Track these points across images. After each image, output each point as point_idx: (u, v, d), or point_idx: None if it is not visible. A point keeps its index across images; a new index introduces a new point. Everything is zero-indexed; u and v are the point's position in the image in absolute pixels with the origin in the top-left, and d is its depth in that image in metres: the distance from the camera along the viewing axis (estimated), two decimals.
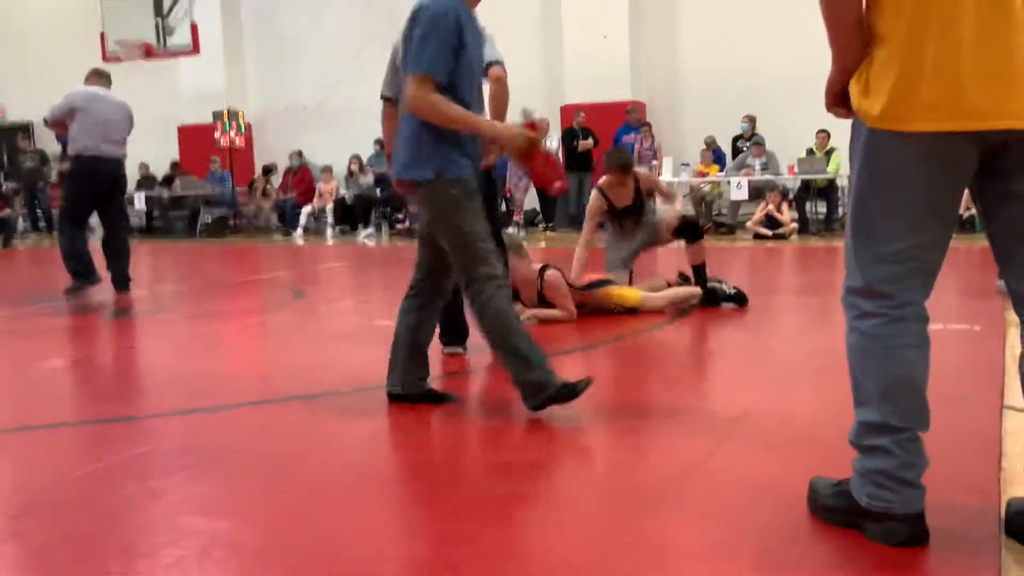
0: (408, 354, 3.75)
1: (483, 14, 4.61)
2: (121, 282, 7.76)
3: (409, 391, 3.74)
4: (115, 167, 7.78)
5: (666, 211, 6.69)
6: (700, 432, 3.21)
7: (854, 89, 2.14)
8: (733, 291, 6.05)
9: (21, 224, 16.35)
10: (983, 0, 1.97)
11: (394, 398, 3.75)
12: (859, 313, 2.20)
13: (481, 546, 2.30)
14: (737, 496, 2.55)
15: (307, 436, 3.37)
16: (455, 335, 4.72)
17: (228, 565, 2.22)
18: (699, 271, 6.30)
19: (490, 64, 4.46)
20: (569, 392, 3.41)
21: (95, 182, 7.64)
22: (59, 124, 7.69)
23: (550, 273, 5.67)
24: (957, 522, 2.29)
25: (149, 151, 18.00)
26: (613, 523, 2.40)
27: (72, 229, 7.73)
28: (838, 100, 2.21)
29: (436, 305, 3.84)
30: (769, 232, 11.95)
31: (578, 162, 14.29)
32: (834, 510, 2.31)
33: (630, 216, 6.58)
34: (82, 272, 7.63)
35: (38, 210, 17.11)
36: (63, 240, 7.70)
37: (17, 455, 3.26)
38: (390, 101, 4.65)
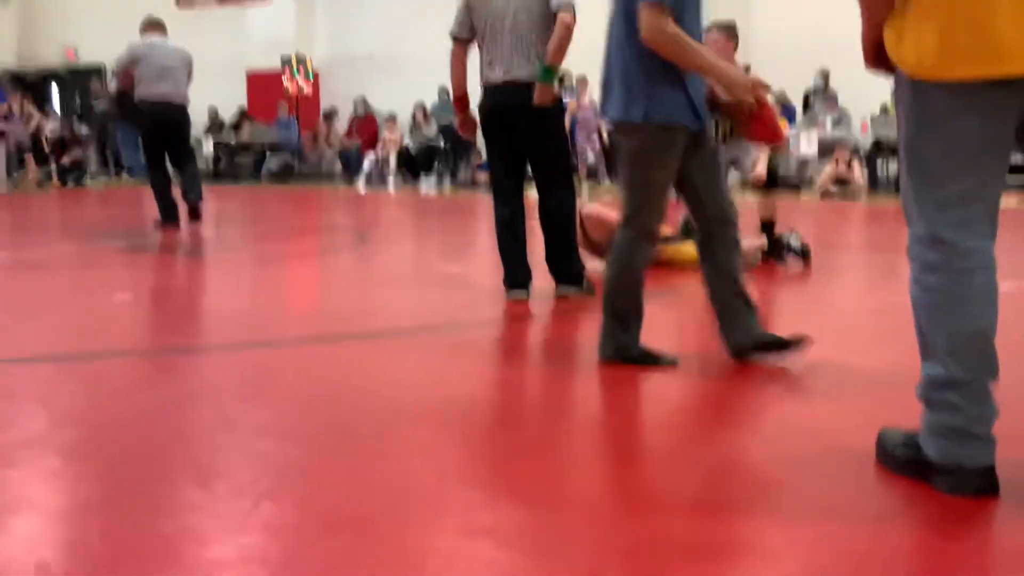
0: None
1: None
2: (193, 213, 8.29)
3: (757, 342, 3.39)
4: (179, 111, 8.26)
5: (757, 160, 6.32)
6: (763, 382, 3.19)
7: (890, 39, 2.11)
8: (800, 245, 5.82)
9: (93, 165, 16.68)
10: None
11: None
12: (924, 265, 2.16)
13: (546, 484, 2.32)
14: (800, 443, 2.53)
15: (371, 371, 3.42)
16: (525, 279, 4.73)
17: (299, 486, 2.28)
18: (769, 228, 6.07)
19: (559, 7, 4.41)
20: (647, 360, 3.37)
21: (161, 125, 8.12)
22: (126, 75, 8.20)
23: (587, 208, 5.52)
24: None
25: (218, 96, 18.23)
26: (682, 475, 2.40)
27: (152, 170, 8.21)
28: (875, 54, 2.20)
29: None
30: (835, 190, 11.72)
31: None
32: (903, 461, 2.28)
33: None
34: (164, 212, 8.13)
35: (108, 151, 17.41)
36: (150, 180, 8.28)
37: (90, 380, 3.36)
38: (460, 41, 4.66)
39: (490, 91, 4.61)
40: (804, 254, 5.86)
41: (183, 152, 8.36)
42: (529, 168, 4.75)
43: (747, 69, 5.90)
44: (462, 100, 4.83)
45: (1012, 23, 1.95)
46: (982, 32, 1.97)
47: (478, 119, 4.76)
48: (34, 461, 2.48)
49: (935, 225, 2.12)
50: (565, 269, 4.74)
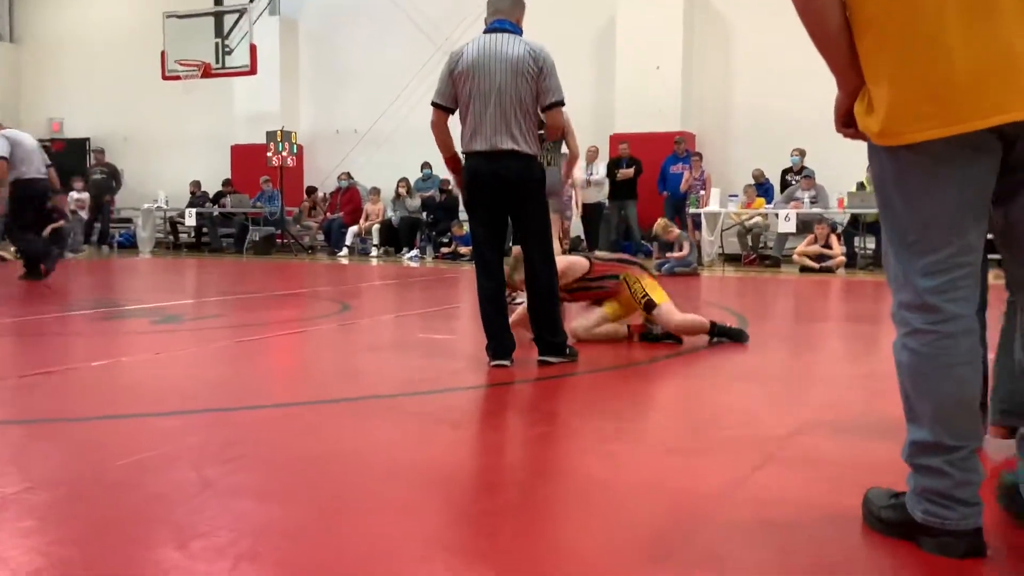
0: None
1: (539, 39, 4.74)
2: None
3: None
4: (45, 185, 10.06)
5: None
6: (748, 448, 3.18)
7: (858, 109, 2.17)
8: (736, 329, 5.57)
9: (72, 237, 16.62)
10: (964, 7, 1.97)
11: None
12: (910, 330, 2.17)
13: (529, 546, 2.29)
14: (787, 509, 2.52)
15: (353, 434, 3.39)
16: (508, 348, 4.74)
17: (279, 546, 2.24)
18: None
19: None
20: None
21: (34, 197, 9.94)
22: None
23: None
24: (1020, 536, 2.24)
25: (202, 168, 18.36)
26: (664, 531, 2.38)
27: (25, 233, 10.05)
28: (845, 121, 2.25)
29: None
30: (816, 265, 11.85)
31: (620, 191, 14.33)
32: (889, 523, 2.27)
33: None
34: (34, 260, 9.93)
35: (97, 223, 17.39)
36: (23, 244, 10.11)
37: (66, 444, 3.31)
38: (442, 109, 4.75)
39: (473, 159, 4.68)
40: (739, 336, 5.55)
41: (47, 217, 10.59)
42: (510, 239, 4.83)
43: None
44: (454, 159, 4.93)
45: (969, 82, 1.97)
46: (940, 95, 2.00)
47: (463, 189, 4.82)
48: (9, 522, 2.42)
49: (920, 291, 2.13)
50: (547, 339, 4.76)
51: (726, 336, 5.54)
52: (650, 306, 5.45)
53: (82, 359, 5.10)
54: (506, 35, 4.67)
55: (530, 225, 4.76)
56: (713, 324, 5.53)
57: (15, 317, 7.23)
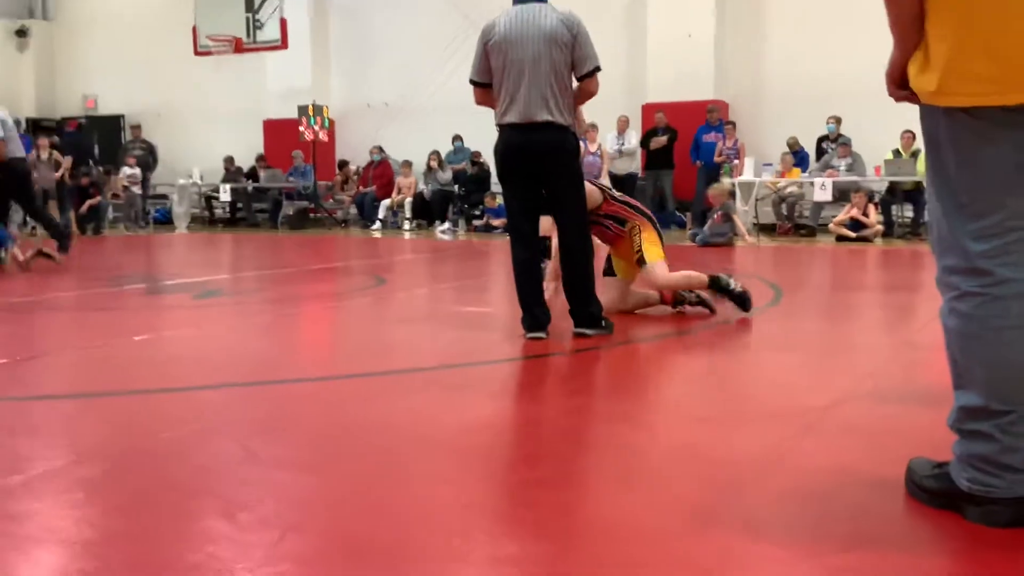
0: None
1: (570, 7, 4.71)
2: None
3: None
4: (27, 165, 10.08)
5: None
6: (788, 418, 3.17)
7: (912, 68, 2.13)
8: (740, 290, 5.41)
9: (111, 212, 16.81)
10: None
11: None
12: (958, 293, 2.14)
13: (568, 514, 2.31)
14: (827, 478, 2.51)
15: (392, 406, 3.42)
16: (543, 320, 4.77)
17: (323, 517, 2.27)
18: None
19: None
20: None
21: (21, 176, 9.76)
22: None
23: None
24: None
25: (235, 144, 18.47)
26: (701, 499, 2.39)
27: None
28: (899, 82, 2.20)
29: None
30: (852, 234, 11.73)
31: (656, 160, 14.24)
32: (933, 492, 2.26)
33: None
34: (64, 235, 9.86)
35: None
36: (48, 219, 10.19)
37: (112, 417, 3.37)
38: (481, 85, 4.74)
39: (507, 131, 4.68)
40: (742, 302, 5.40)
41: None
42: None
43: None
44: None
45: None
46: (1000, 60, 1.97)
47: (496, 160, 4.82)
48: (59, 494, 2.48)
49: (971, 255, 2.10)
50: (582, 310, 4.77)
51: (728, 295, 5.38)
52: (641, 262, 5.34)
53: (125, 333, 5.18)
54: (537, 5, 4.65)
55: (565, 196, 4.75)
56: (714, 278, 5.38)
57: (58, 292, 7.35)
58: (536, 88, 4.57)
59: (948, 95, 2.05)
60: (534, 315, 4.72)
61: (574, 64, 4.63)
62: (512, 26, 4.60)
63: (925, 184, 2.27)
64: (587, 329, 4.76)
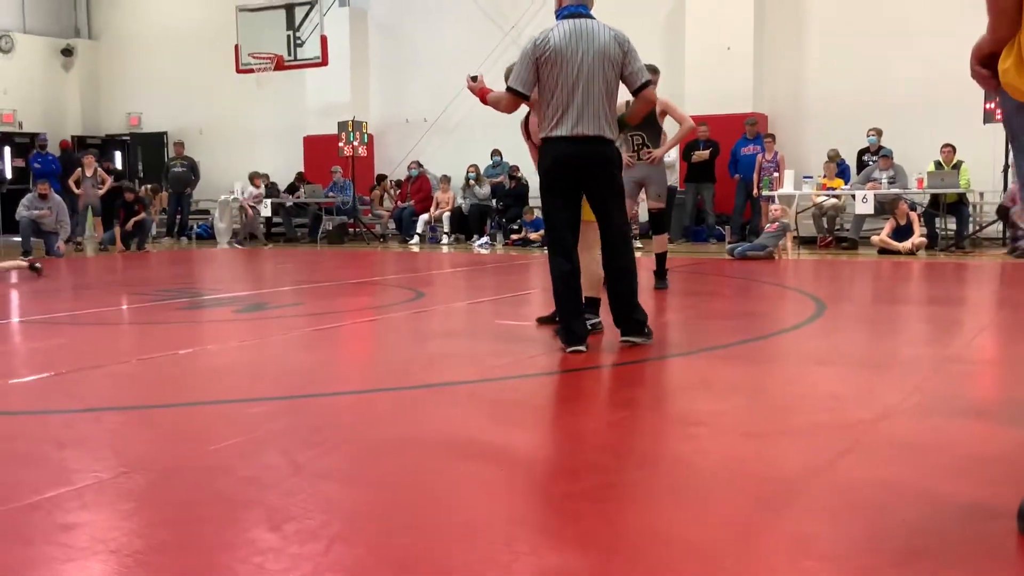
0: None
1: (607, 22, 4.73)
2: None
3: None
4: None
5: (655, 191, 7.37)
6: (835, 432, 3.14)
7: (1006, 62, 2.11)
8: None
9: (155, 228, 17.05)
10: None
11: None
12: None
13: (613, 527, 2.30)
14: (876, 493, 2.48)
15: (434, 419, 3.43)
16: (583, 333, 4.78)
17: (370, 529, 2.28)
18: (660, 259, 7.61)
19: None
20: None
21: None
22: None
23: None
24: None
25: (276, 159, 18.67)
26: (750, 514, 2.37)
27: None
28: (982, 60, 2.20)
29: None
30: (897, 244, 11.57)
31: (696, 173, 14.18)
32: None
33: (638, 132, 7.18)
34: None
35: (178, 216, 17.78)
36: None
37: (159, 429, 3.42)
38: (520, 96, 4.79)
39: (560, 143, 4.69)
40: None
41: None
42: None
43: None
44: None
45: None
46: None
47: (541, 172, 4.83)
48: (108, 505, 2.52)
49: None
50: (629, 318, 4.79)
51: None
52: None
53: (171, 347, 5.25)
54: (589, 20, 4.69)
55: (611, 207, 4.79)
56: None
57: (104, 307, 7.46)
58: (590, 103, 4.63)
59: None
60: (575, 329, 4.72)
61: (625, 79, 4.72)
62: (567, 40, 4.63)
63: (1012, 162, 2.26)
64: (635, 337, 4.77)
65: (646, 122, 7.32)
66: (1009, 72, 2.09)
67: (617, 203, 4.82)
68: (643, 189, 7.46)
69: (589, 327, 4.94)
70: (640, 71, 4.74)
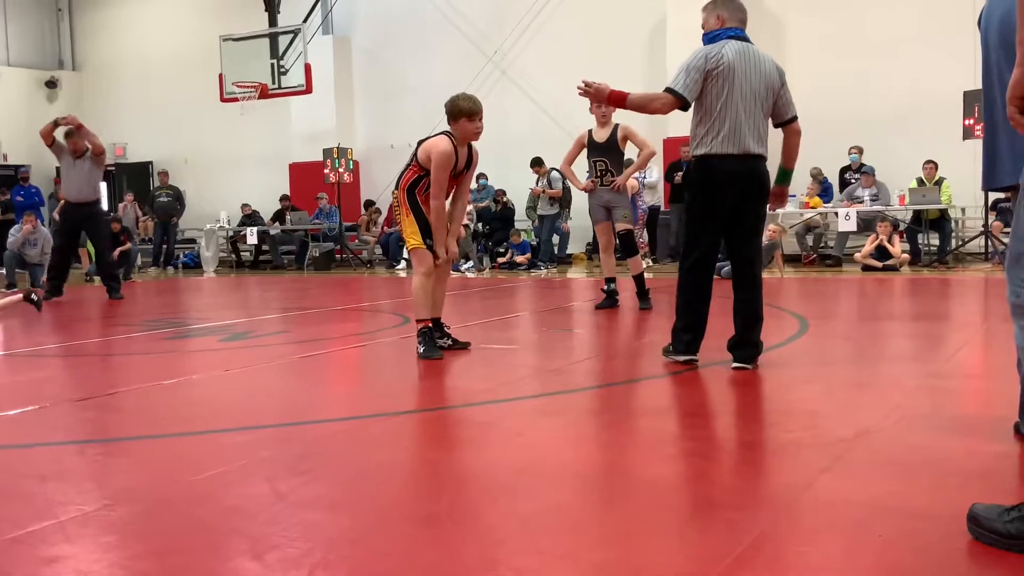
0: None
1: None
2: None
3: None
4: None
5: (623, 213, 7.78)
6: (814, 449, 3.16)
7: None
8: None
9: (140, 259, 17.02)
10: None
11: None
12: None
13: (590, 554, 2.31)
14: (855, 510, 2.50)
15: (416, 446, 3.44)
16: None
17: (352, 556, 2.29)
18: (639, 280, 7.92)
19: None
20: None
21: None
22: None
23: None
24: None
25: (261, 187, 18.70)
26: (730, 534, 2.38)
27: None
28: (1020, 105, 2.11)
29: None
30: (879, 264, 11.67)
31: (680, 194, 14.24)
32: (1012, 535, 2.13)
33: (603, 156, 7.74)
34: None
35: (164, 246, 17.76)
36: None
37: (142, 461, 3.41)
38: (681, 101, 4.74)
39: (723, 160, 4.72)
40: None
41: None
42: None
43: None
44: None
45: None
46: None
47: (698, 188, 4.86)
48: (91, 538, 2.51)
49: None
50: (753, 343, 4.84)
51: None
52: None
53: (155, 378, 5.24)
54: (752, 45, 4.82)
55: (757, 225, 4.94)
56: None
57: (87, 339, 7.44)
58: (754, 123, 4.74)
59: None
60: (697, 340, 4.89)
61: (777, 108, 4.85)
62: (740, 60, 4.70)
63: (1014, 207, 2.23)
64: (748, 364, 4.81)
65: (609, 148, 7.73)
66: None
67: (761, 222, 4.98)
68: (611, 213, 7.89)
69: (447, 345, 5.63)
70: (791, 104, 4.90)
